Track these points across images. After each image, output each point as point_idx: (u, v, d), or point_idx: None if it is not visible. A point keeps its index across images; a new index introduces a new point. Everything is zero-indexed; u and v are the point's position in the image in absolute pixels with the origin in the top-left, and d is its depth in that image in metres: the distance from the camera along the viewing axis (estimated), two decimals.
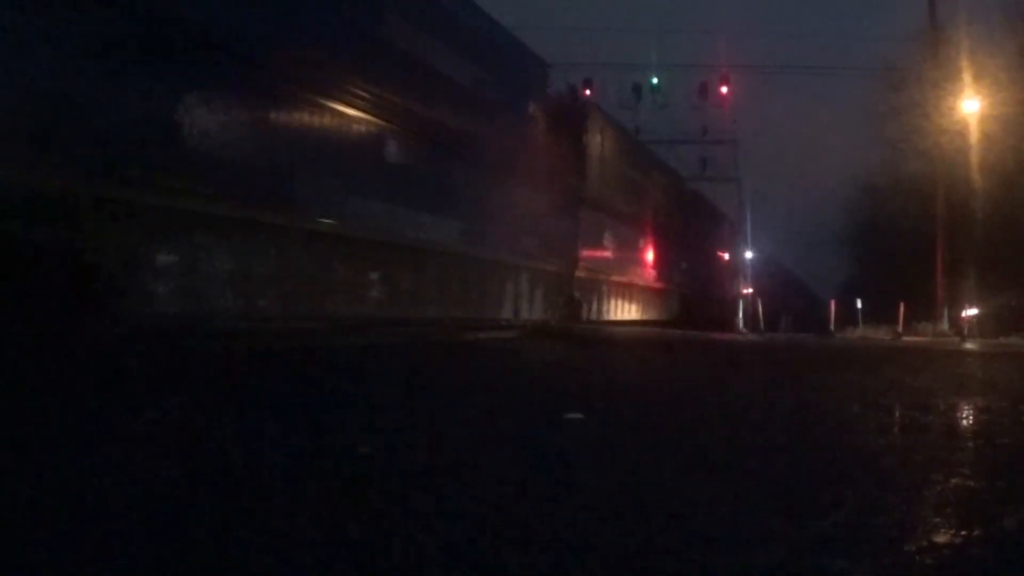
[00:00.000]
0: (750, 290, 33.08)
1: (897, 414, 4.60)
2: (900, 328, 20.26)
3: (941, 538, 1.97)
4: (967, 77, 19.26)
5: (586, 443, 3.27)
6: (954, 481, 2.62)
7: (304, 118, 9.22)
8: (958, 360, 10.40)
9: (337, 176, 9.71)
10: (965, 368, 9.04)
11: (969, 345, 15.55)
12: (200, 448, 2.84)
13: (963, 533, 1.99)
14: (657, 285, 26.59)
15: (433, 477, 2.52)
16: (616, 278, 22.47)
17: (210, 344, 6.47)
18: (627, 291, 23.77)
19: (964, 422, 4.43)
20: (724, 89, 26.57)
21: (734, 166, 33.41)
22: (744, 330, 26.61)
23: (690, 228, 29.32)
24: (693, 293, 28.72)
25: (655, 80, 26.76)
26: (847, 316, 24.40)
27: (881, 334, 20.78)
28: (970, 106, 19.33)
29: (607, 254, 21.66)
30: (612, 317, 21.92)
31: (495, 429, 3.55)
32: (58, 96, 5.77)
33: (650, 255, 25.60)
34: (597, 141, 20.24)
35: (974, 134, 19.52)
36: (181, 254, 7.18)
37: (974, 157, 19.69)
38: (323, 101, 9.61)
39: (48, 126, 5.76)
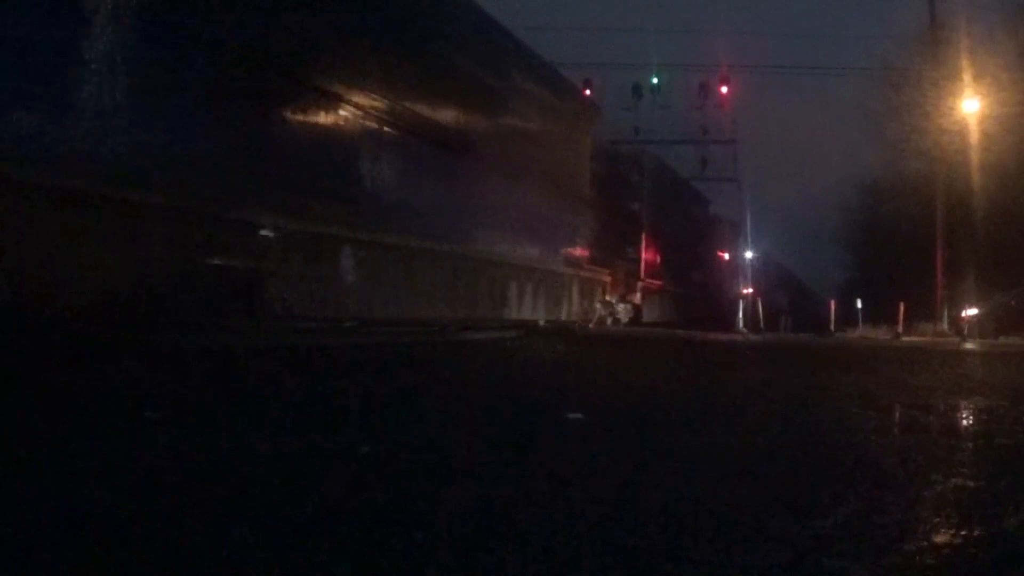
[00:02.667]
0: (750, 290, 33.05)
1: (897, 414, 4.59)
2: (900, 328, 20.25)
3: (941, 538, 1.97)
4: (967, 77, 19.25)
5: (586, 443, 3.27)
6: (954, 481, 2.62)
7: (332, 124, 9.27)
8: (958, 360, 10.40)
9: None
10: (965, 368, 9.03)
11: (969, 345, 15.55)
12: (199, 448, 2.84)
13: (963, 533, 1.99)
14: (663, 287, 26.72)
15: (433, 477, 2.52)
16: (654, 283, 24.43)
17: (211, 343, 6.47)
18: (671, 298, 25.75)
19: (964, 422, 4.43)
20: (724, 89, 26.59)
21: (734, 166, 33.43)
22: (744, 330, 26.58)
23: (693, 230, 29.43)
24: (694, 294, 28.76)
25: (655, 80, 26.76)
26: (847, 316, 24.40)
27: (881, 334, 20.77)
28: (970, 106, 19.32)
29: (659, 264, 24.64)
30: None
31: (495, 429, 3.55)
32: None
33: (661, 259, 25.94)
34: (646, 180, 23.72)
35: (974, 134, 19.51)
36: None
37: (974, 157, 19.68)
38: (354, 108, 9.68)
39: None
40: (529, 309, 14.25)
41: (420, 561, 1.72)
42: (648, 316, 23.97)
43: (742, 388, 6.34)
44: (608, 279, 19.56)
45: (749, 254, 35.40)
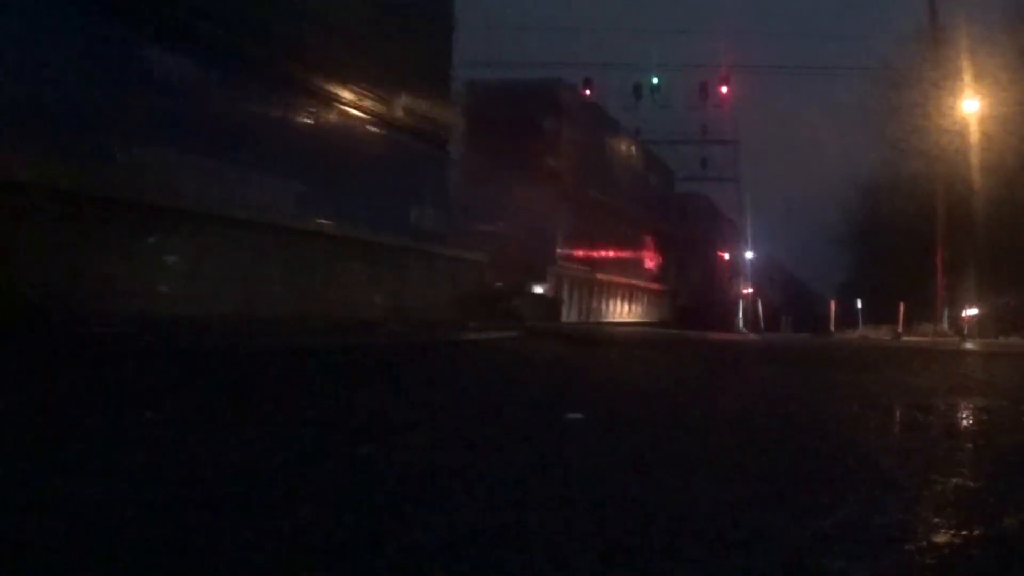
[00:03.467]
0: (750, 290, 33.06)
1: (897, 414, 4.60)
2: (900, 328, 20.26)
3: (941, 538, 1.97)
4: (967, 77, 19.25)
5: (586, 443, 3.27)
6: (954, 481, 2.62)
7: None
8: (958, 360, 10.39)
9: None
10: (965, 368, 9.03)
11: (969, 345, 15.55)
12: (198, 448, 2.84)
13: (963, 533, 1.99)
14: (652, 285, 25.93)
15: (433, 477, 2.52)
16: (601, 276, 20.58)
17: (211, 343, 6.46)
18: (616, 290, 22.12)
19: (964, 422, 4.43)
20: (724, 89, 26.58)
21: (734, 166, 33.45)
22: (744, 330, 26.56)
23: (689, 228, 29.17)
24: (692, 294, 28.59)
25: (655, 80, 26.75)
26: (847, 316, 24.41)
27: (881, 334, 20.79)
28: (970, 106, 19.33)
29: (591, 249, 19.61)
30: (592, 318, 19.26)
31: (495, 429, 3.55)
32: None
33: (645, 254, 24.97)
34: (570, 127, 17.28)
35: (974, 134, 19.52)
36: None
37: (974, 157, 19.69)
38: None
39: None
40: (318, 297, 9.24)
41: (420, 561, 1.72)
42: (583, 313, 18.93)
43: (742, 388, 6.33)
44: (487, 259, 13.87)
45: (749, 254, 35.40)
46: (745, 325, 28.42)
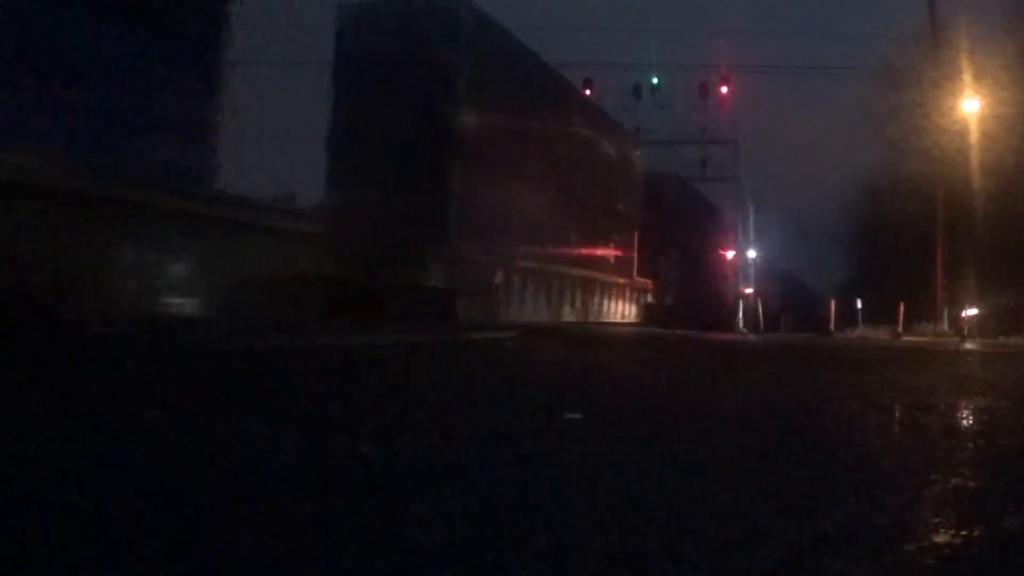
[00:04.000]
0: (750, 290, 33.04)
1: (897, 414, 4.60)
2: (900, 328, 20.27)
3: (941, 538, 1.97)
4: (967, 77, 19.26)
5: (586, 443, 3.27)
6: (954, 481, 2.62)
7: None
8: (958, 360, 10.39)
9: None
10: (965, 368, 9.03)
11: (969, 345, 15.55)
12: (199, 448, 2.84)
13: (963, 533, 1.99)
14: (609, 278, 23.75)
15: (433, 477, 2.52)
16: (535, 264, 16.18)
17: (211, 343, 6.46)
18: (551, 281, 18.26)
19: (964, 422, 4.43)
20: (724, 89, 26.58)
21: (734, 166, 33.40)
22: (744, 330, 26.53)
23: (664, 214, 28.41)
24: (672, 291, 28.24)
25: (655, 80, 26.74)
26: (847, 316, 24.40)
27: (881, 334, 20.77)
28: (970, 106, 19.33)
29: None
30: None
31: (495, 429, 3.55)
32: None
33: (598, 240, 22.24)
34: (471, 51, 12.76)
35: (974, 134, 19.52)
36: None
37: (974, 157, 19.69)
38: None
39: None
40: None
41: (420, 561, 1.72)
42: (504, 311, 14.78)
43: (742, 388, 6.33)
44: (333, 232, 10.08)
45: (750, 254, 35.37)
46: (745, 325, 28.39)
